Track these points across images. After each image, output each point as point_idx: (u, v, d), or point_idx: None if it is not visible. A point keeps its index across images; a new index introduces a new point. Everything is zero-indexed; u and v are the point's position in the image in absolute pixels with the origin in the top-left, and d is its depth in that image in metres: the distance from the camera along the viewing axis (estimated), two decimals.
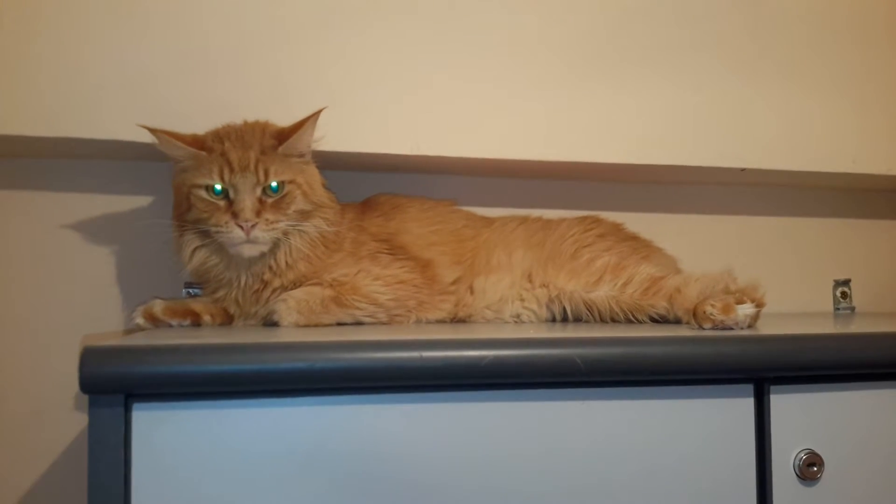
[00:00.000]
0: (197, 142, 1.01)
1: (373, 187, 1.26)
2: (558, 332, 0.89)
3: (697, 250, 1.41)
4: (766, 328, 0.89)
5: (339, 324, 1.03)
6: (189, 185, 1.00)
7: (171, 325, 1.04)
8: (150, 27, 1.14)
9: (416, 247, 1.14)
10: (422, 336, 0.78)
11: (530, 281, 1.14)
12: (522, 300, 1.13)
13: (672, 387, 0.78)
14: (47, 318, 1.20)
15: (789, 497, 0.79)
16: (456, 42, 1.25)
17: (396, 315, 1.07)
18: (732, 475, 0.78)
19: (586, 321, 1.09)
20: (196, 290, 1.17)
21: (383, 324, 1.06)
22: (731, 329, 0.87)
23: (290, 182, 1.02)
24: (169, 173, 1.12)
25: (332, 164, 1.14)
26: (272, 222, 0.99)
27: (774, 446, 0.79)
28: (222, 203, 0.99)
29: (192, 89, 1.15)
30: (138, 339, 0.75)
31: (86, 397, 0.67)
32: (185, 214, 1.02)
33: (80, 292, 1.21)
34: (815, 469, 0.79)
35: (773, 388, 0.80)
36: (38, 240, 1.21)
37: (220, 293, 1.06)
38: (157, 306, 1.04)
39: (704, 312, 0.89)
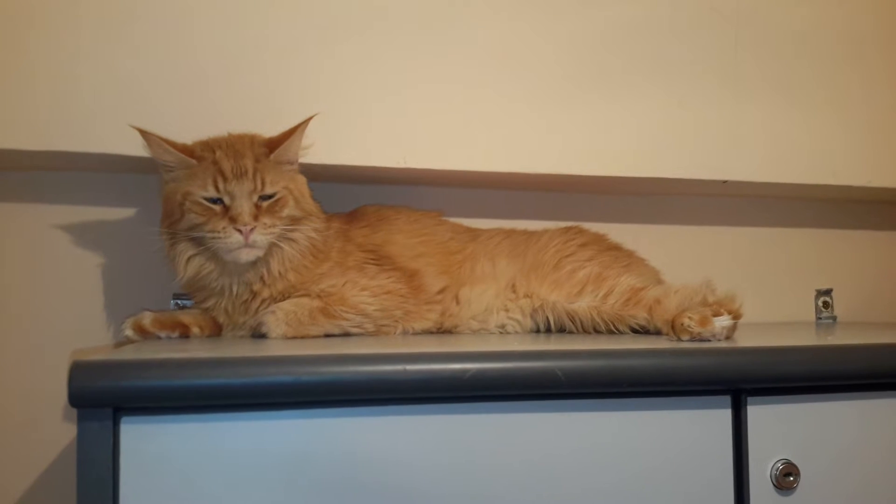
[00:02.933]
0: (186, 150, 1.02)
1: (359, 199, 1.28)
2: (540, 345, 0.91)
3: (680, 261, 1.43)
4: (744, 339, 0.91)
5: (327, 335, 1.05)
6: (182, 193, 1.01)
7: (160, 337, 1.05)
8: (141, 41, 1.15)
9: (402, 257, 1.15)
10: (406, 349, 0.79)
11: (514, 291, 1.15)
12: (507, 310, 1.15)
13: (651, 398, 0.79)
14: (36, 329, 1.21)
15: None
16: (442, 56, 1.27)
17: (383, 325, 1.09)
18: (710, 485, 0.80)
19: (569, 331, 1.11)
20: (185, 302, 1.18)
21: (370, 334, 1.08)
22: (709, 341, 0.89)
23: (284, 188, 1.03)
24: (154, 185, 1.13)
25: (319, 176, 1.15)
26: (269, 226, 1.01)
27: (752, 456, 0.81)
28: (218, 209, 1.00)
29: (181, 103, 1.16)
30: (127, 353, 0.76)
31: (70, 405, 0.68)
32: (178, 223, 1.02)
33: (68, 302, 1.22)
34: (792, 479, 0.81)
35: (750, 399, 0.81)
36: (26, 250, 1.21)
37: (210, 302, 1.07)
38: (147, 318, 1.04)
39: (682, 324, 0.90)
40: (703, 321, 0.89)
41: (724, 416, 0.81)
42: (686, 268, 1.37)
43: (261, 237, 1.00)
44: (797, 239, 1.59)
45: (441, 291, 1.15)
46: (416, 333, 1.12)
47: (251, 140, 1.05)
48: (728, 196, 1.54)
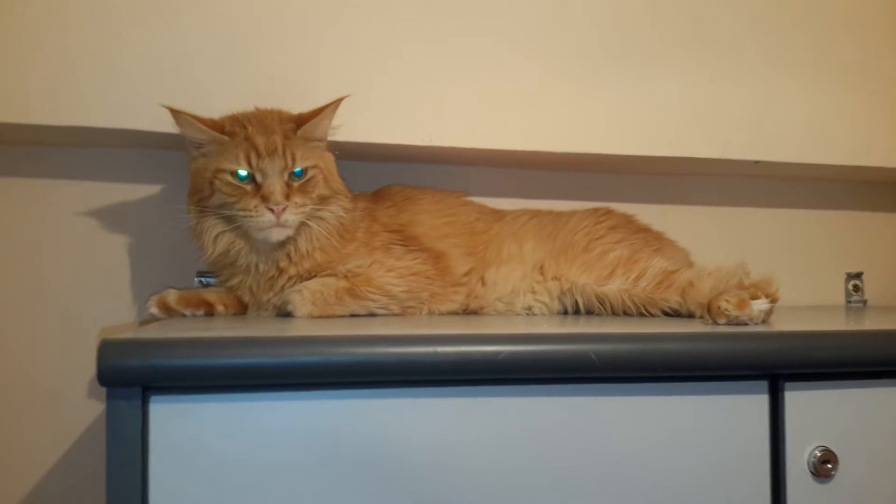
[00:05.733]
0: (216, 126, 1.01)
1: (384, 177, 1.27)
2: (573, 328, 0.89)
3: (708, 242, 1.40)
4: (780, 323, 0.89)
5: (352, 315, 1.04)
6: (213, 170, 0.99)
7: (184, 315, 1.04)
8: (172, 17, 1.14)
9: (428, 238, 1.14)
10: (437, 331, 0.78)
11: (542, 273, 1.14)
12: (534, 292, 1.13)
13: (686, 383, 0.78)
14: (61, 304, 1.21)
15: (803, 494, 0.79)
16: (469, 34, 1.25)
17: (409, 307, 1.08)
18: (746, 471, 0.78)
19: (598, 314, 1.09)
20: (209, 280, 1.18)
21: (395, 315, 1.06)
22: (746, 325, 0.87)
23: (314, 166, 1.02)
24: (179, 161, 1.12)
25: (344, 154, 1.14)
26: (300, 205, 1.00)
27: (789, 443, 0.79)
28: (249, 187, 0.99)
29: (208, 80, 1.14)
30: (153, 332, 0.76)
31: (98, 384, 0.67)
32: (207, 200, 1.01)
33: (92, 279, 1.22)
34: (830, 466, 0.79)
35: (787, 384, 0.79)
36: (50, 228, 1.21)
37: (236, 280, 1.06)
38: (171, 296, 1.04)
39: (719, 308, 0.88)
40: (741, 304, 0.87)
41: (762, 401, 0.79)
42: (713, 250, 1.35)
43: (292, 216, 0.99)
44: (827, 221, 1.56)
45: (467, 273, 1.14)
46: (440, 314, 1.11)
47: (279, 116, 1.03)
48: (757, 177, 1.51)
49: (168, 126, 1.03)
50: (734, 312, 0.87)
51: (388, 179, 1.25)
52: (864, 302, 1.51)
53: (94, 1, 1.12)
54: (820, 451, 0.79)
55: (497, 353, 0.72)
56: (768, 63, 1.36)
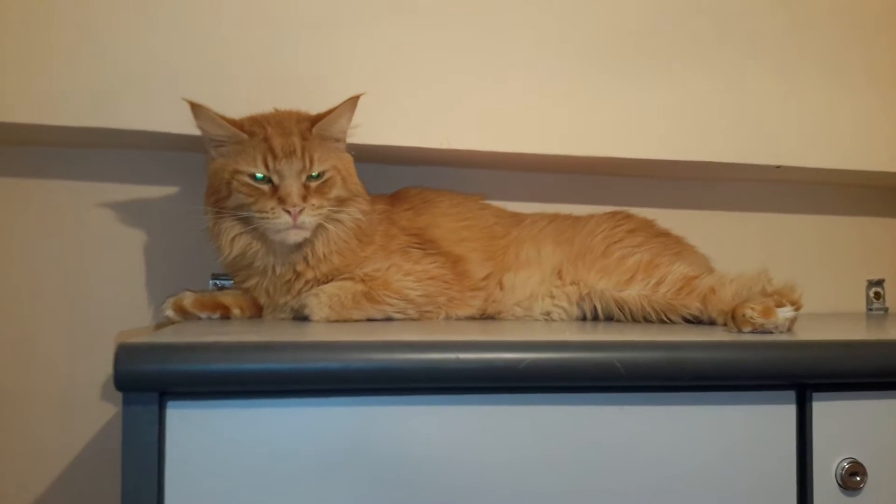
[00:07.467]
0: (236, 124, 1.00)
1: (401, 180, 1.25)
2: (597, 335, 0.87)
3: (728, 247, 1.38)
4: (804, 332, 0.87)
5: (369, 319, 1.03)
6: (231, 171, 0.99)
7: (200, 318, 1.04)
8: (178, 17, 1.13)
9: (446, 242, 1.12)
10: (458, 337, 0.77)
11: (560, 278, 1.12)
12: (553, 297, 1.12)
13: (712, 392, 0.76)
14: (76, 306, 1.20)
15: None
16: (487, 37, 1.23)
17: (426, 311, 1.06)
18: (773, 483, 0.77)
19: (617, 320, 1.08)
20: (223, 282, 1.17)
21: (413, 319, 1.05)
22: (771, 333, 0.85)
23: (332, 168, 1.01)
24: (195, 163, 1.12)
25: (360, 156, 1.13)
26: (318, 207, 0.99)
27: (816, 454, 0.77)
28: (266, 188, 0.98)
29: (222, 81, 1.14)
30: (169, 335, 0.75)
31: (114, 387, 0.66)
32: (225, 201, 1.00)
33: (107, 281, 1.21)
34: (858, 479, 0.77)
35: (815, 394, 0.78)
36: (66, 229, 1.21)
37: (252, 282, 1.05)
38: (188, 299, 1.03)
39: (744, 315, 0.87)
40: (766, 312, 0.85)
41: (789, 411, 0.78)
42: (733, 255, 1.32)
43: (309, 218, 0.98)
44: (848, 227, 1.54)
45: (485, 278, 1.13)
46: (458, 319, 1.10)
47: (297, 117, 1.03)
48: (777, 182, 1.49)
49: (185, 127, 1.03)
50: (759, 320, 0.85)
51: (405, 182, 1.24)
52: (886, 310, 1.48)
53: (111, 2, 1.11)
54: (848, 463, 0.77)
55: (520, 361, 0.70)
56: (791, 66, 1.35)
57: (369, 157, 1.23)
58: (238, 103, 1.07)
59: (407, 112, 1.20)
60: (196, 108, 0.98)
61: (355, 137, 1.12)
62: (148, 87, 1.11)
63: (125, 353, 0.66)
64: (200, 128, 1.01)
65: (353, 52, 1.19)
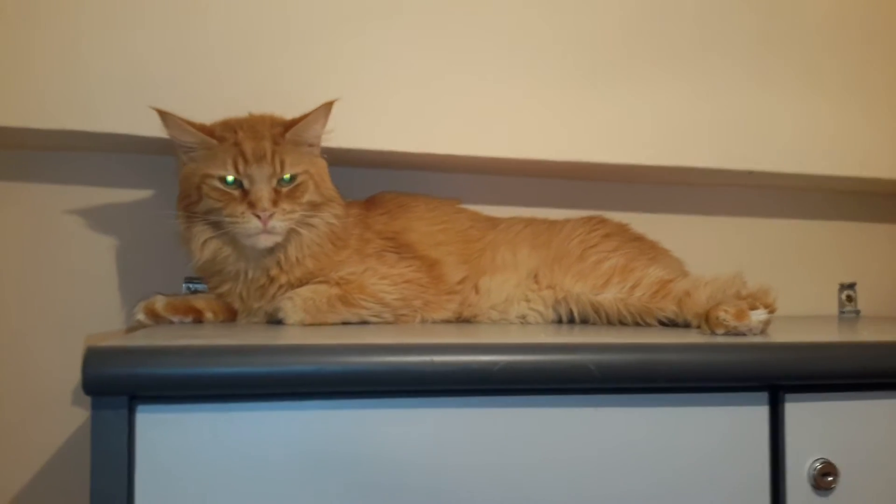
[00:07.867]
0: (206, 130, 0.99)
1: (377, 184, 1.25)
2: (572, 338, 0.87)
3: (703, 252, 1.39)
4: (778, 334, 0.88)
5: (344, 323, 1.02)
6: (201, 175, 0.98)
7: (172, 322, 1.02)
8: (159, 22, 1.12)
9: (422, 245, 1.12)
10: (433, 340, 0.76)
11: (536, 282, 1.12)
12: (528, 301, 1.12)
13: (686, 394, 0.76)
14: (46, 310, 1.18)
15: None
16: (463, 40, 1.23)
17: (402, 315, 1.06)
18: (746, 484, 0.77)
19: (593, 323, 1.08)
20: (196, 286, 1.15)
21: (388, 323, 1.05)
22: (744, 335, 0.86)
23: (304, 172, 1.00)
24: (167, 166, 1.10)
25: (336, 160, 1.12)
26: (288, 212, 0.98)
27: (789, 455, 0.78)
28: (237, 193, 0.97)
29: (199, 86, 1.13)
30: (140, 339, 0.74)
31: (83, 392, 0.65)
32: (195, 205, 0.99)
33: (78, 285, 1.19)
34: (830, 479, 0.78)
35: (788, 396, 0.78)
36: (38, 232, 1.19)
37: (225, 287, 1.04)
38: (159, 302, 1.02)
39: (717, 318, 0.87)
40: (740, 315, 0.86)
41: (762, 413, 0.78)
42: (708, 259, 1.33)
43: (279, 223, 0.97)
44: (820, 231, 1.56)
45: (461, 281, 1.13)
46: (433, 322, 1.09)
47: (271, 121, 1.02)
48: (751, 187, 1.51)
49: (158, 130, 1.01)
50: (733, 323, 0.86)
51: (382, 186, 1.23)
52: (857, 312, 1.50)
53: (87, 5, 1.10)
54: (820, 464, 0.78)
55: (494, 364, 0.70)
56: (765, 74, 1.36)
57: (346, 161, 1.23)
58: (214, 107, 1.06)
59: (384, 116, 1.19)
60: (164, 116, 0.97)
61: (332, 141, 1.11)
62: (123, 91, 1.10)
63: (94, 357, 0.65)
64: (170, 135, 1.00)
65: (331, 57, 1.18)
